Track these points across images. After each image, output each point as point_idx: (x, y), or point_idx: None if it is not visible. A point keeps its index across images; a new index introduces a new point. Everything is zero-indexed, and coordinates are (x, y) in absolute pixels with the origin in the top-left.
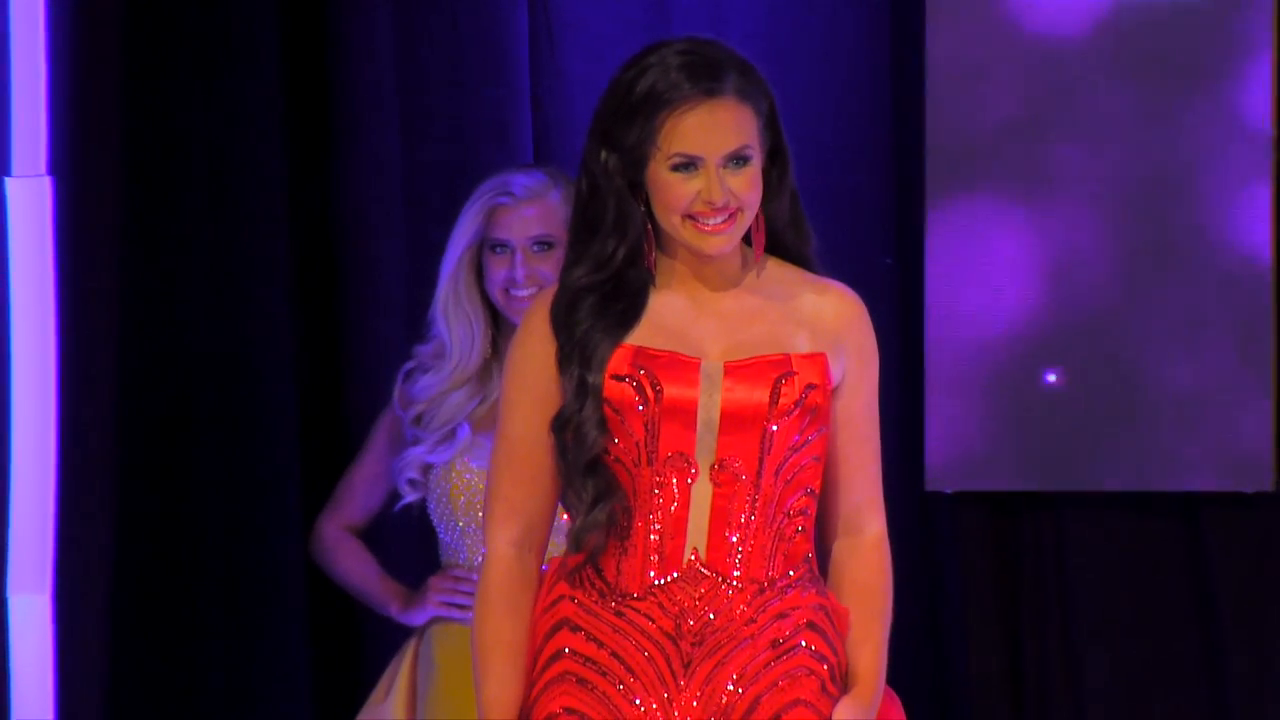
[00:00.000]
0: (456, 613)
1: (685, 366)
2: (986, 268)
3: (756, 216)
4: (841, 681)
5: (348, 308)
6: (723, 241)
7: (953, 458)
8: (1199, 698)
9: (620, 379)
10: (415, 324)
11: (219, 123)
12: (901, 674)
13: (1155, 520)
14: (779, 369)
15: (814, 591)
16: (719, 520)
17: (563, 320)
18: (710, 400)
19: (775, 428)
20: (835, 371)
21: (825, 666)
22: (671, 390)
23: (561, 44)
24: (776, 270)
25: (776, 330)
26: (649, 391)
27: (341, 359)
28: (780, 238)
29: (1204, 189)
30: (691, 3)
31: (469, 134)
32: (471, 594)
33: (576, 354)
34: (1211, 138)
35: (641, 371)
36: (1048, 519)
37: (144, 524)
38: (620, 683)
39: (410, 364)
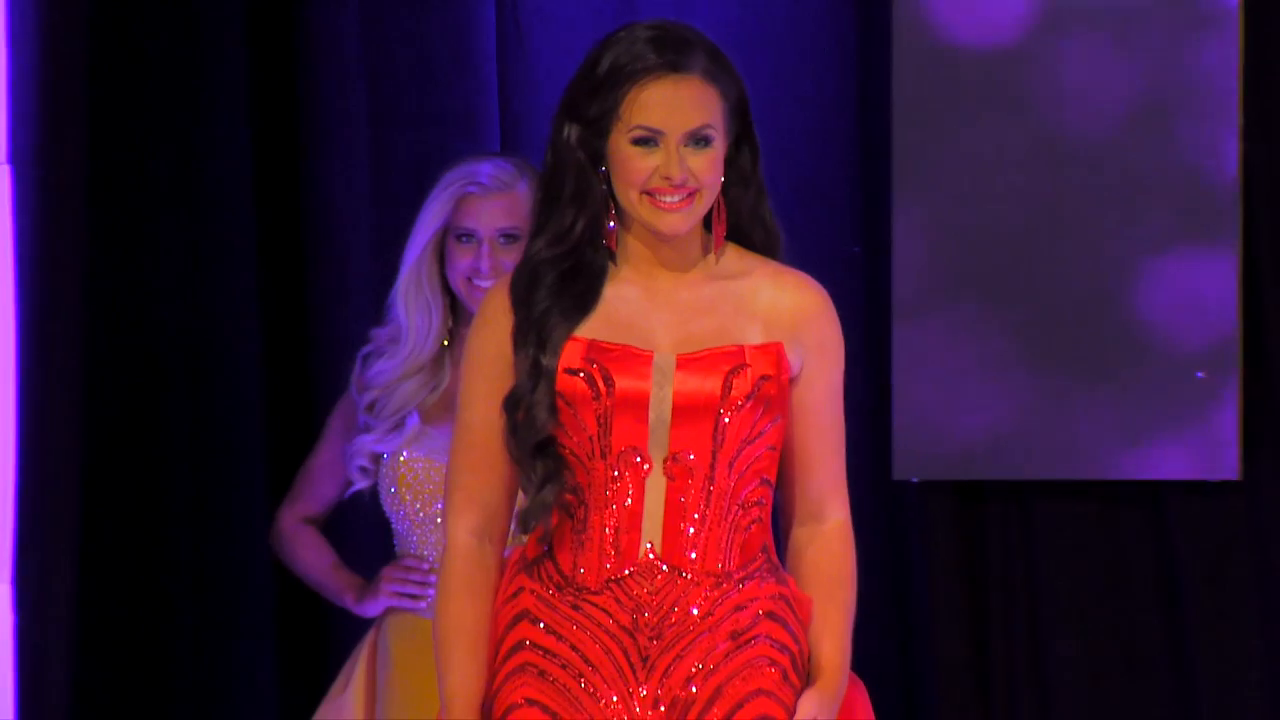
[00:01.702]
0: (409, 602)
1: (637, 359)
2: (952, 259)
3: (719, 205)
4: (804, 670)
5: (315, 297)
6: (678, 220)
7: (920, 446)
8: (1164, 685)
9: (573, 373)
10: (381, 312)
11: (185, 111)
12: (868, 661)
13: (1122, 508)
14: (732, 361)
15: (773, 581)
16: (674, 513)
17: (523, 295)
18: (662, 393)
19: (728, 419)
20: (793, 362)
21: (786, 656)
22: (624, 383)
23: (529, 34)
24: (736, 259)
25: (729, 322)
26: (601, 385)
27: (309, 348)
28: (746, 231)
29: (1173, 164)
30: None
31: (436, 124)
32: (423, 583)
33: (533, 334)
34: (1181, 134)
35: (594, 365)
36: (1014, 507)
37: (109, 515)
38: (580, 675)
39: (368, 347)
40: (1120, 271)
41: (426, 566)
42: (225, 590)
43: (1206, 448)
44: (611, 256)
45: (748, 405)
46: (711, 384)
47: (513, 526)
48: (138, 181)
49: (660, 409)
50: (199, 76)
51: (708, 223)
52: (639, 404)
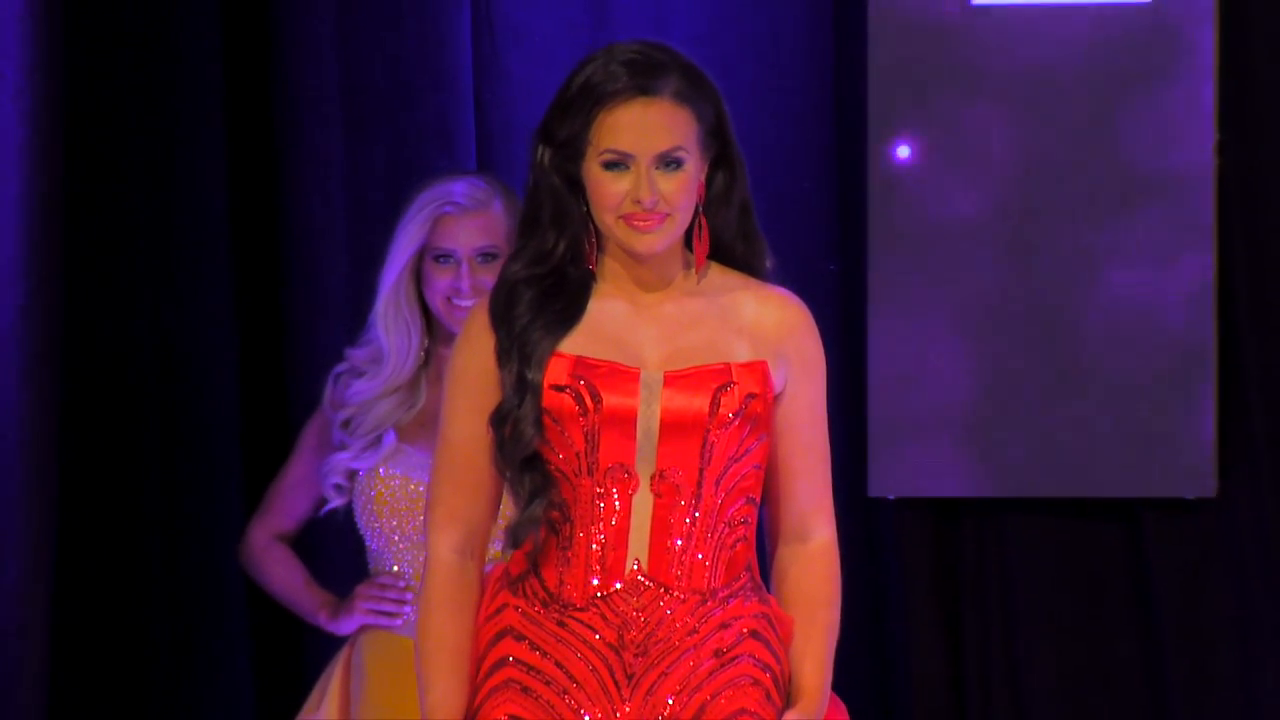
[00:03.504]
0: (384, 620)
1: (625, 376)
2: (930, 274)
3: (700, 224)
4: (785, 690)
5: (290, 311)
6: (653, 240)
7: (895, 463)
8: (1140, 702)
9: (560, 389)
10: (358, 326)
11: (160, 123)
12: (845, 678)
13: (1097, 525)
14: (719, 379)
15: (756, 600)
16: (660, 531)
17: (501, 314)
18: (650, 410)
19: (715, 437)
20: (776, 379)
21: (769, 675)
22: (611, 400)
23: (504, 47)
24: (719, 276)
25: (716, 338)
26: (589, 402)
27: (284, 361)
28: (729, 250)
29: (1145, 197)
30: (634, 6)
31: (412, 137)
32: (399, 601)
33: (516, 350)
34: (1155, 146)
35: (581, 382)
36: (990, 524)
37: (84, 530)
38: (564, 692)
39: (342, 367)
40: (1094, 287)
41: (402, 584)
42: (200, 605)
43: (1182, 465)
44: (593, 277)
45: (735, 423)
46: (700, 402)
47: (495, 543)
48: (113, 197)
49: (648, 426)
50: (175, 91)
51: (690, 240)
52: (627, 421)
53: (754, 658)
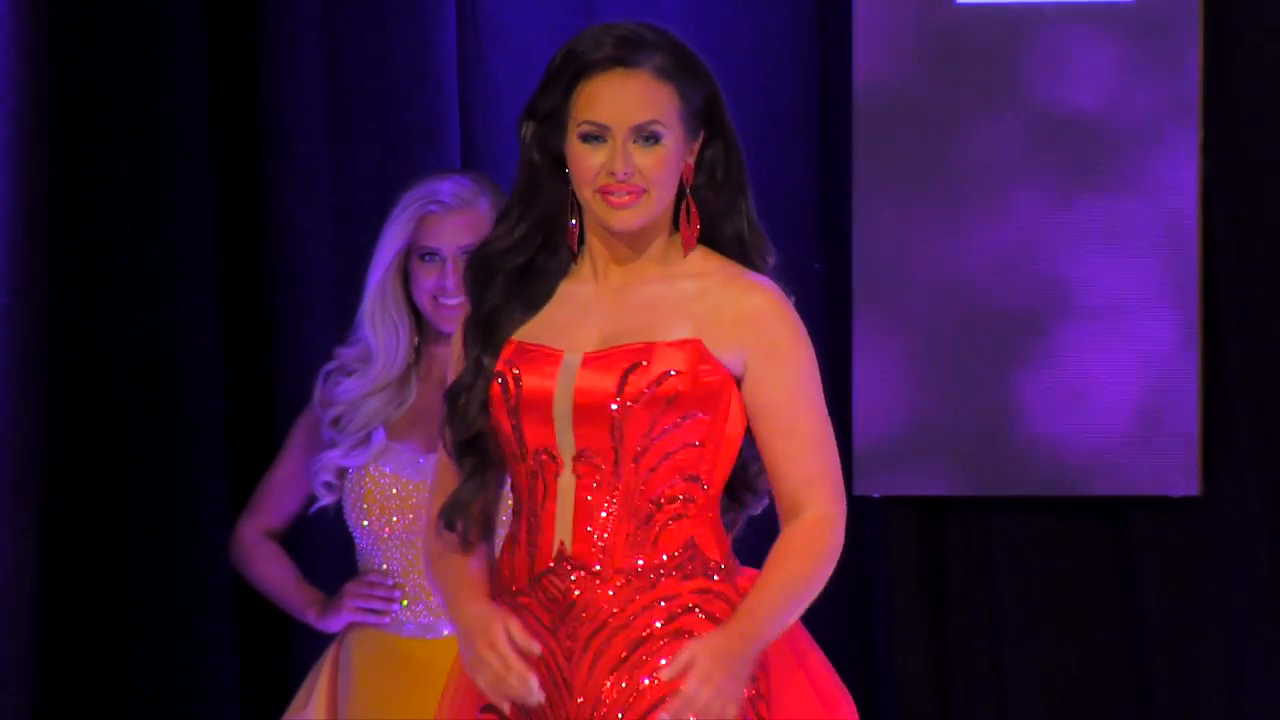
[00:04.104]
0: (372, 618)
1: (547, 360)
2: (913, 273)
3: (689, 208)
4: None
5: (276, 311)
6: (628, 216)
7: (880, 461)
8: (1124, 700)
9: (495, 375)
10: (343, 326)
11: (145, 125)
12: None
13: (1082, 524)
14: (631, 358)
15: (701, 577)
16: (582, 511)
17: (472, 289)
18: (565, 392)
19: (623, 416)
20: (729, 361)
21: (712, 622)
22: (529, 383)
23: (489, 48)
24: (700, 260)
25: (659, 320)
26: (511, 387)
27: (269, 360)
28: (716, 234)
29: (1129, 196)
30: (619, 6)
31: (397, 137)
32: (387, 599)
33: (480, 331)
34: (1138, 146)
35: (511, 367)
36: (975, 522)
37: (70, 530)
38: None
39: (331, 365)
40: (1079, 286)
41: (391, 582)
42: (186, 603)
43: (1167, 463)
44: (573, 257)
45: (643, 401)
46: (608, 381)
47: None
48: (98, 198)
49: (562, 408)
50: (159, 93)
51: (679, 223)
52: (543, 404)
53: (692, 635)
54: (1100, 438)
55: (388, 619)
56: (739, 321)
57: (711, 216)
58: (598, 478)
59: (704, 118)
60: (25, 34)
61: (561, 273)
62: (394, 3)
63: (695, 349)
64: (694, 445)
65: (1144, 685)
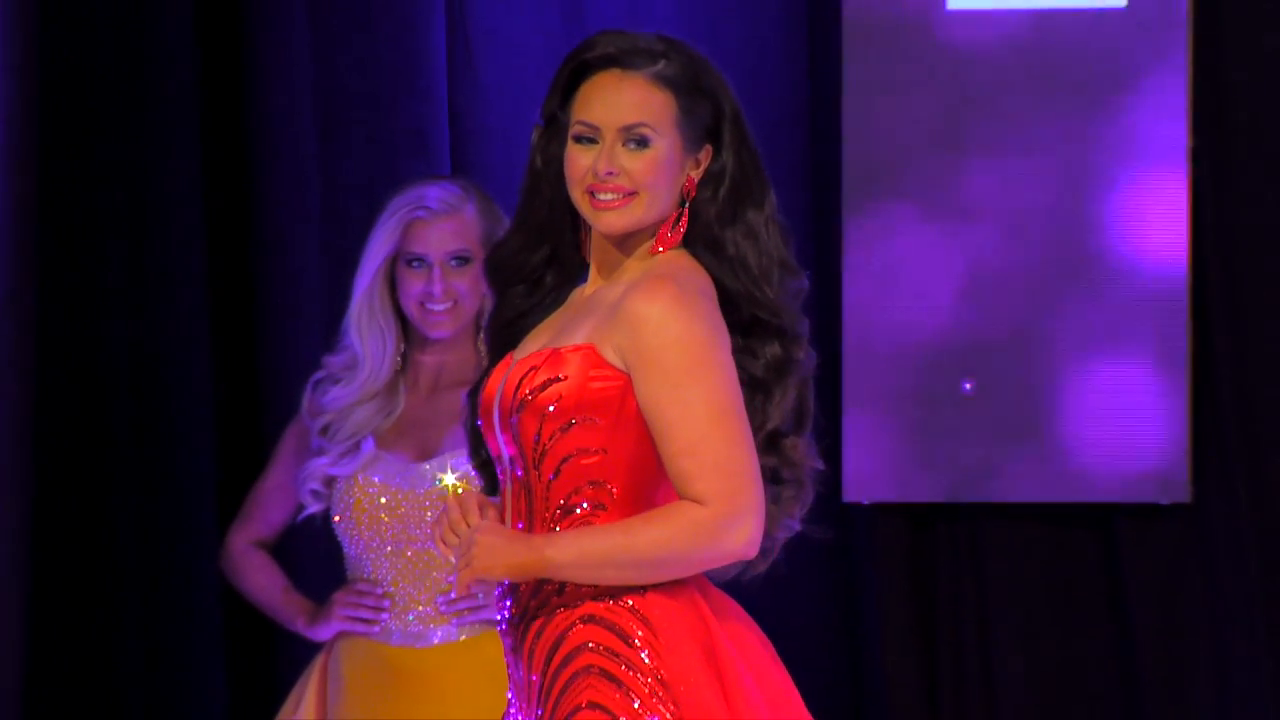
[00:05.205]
0: (361, 627)
1: (501, 368)
2: (902, 281)
3: (680, 213)
4: (637, 667)
5: (265, 316)
6: (614, 219)
7: (870, 469)
8: (1113, 706)
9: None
10: (332, 334)
11: (134, 129)
12: (819, 681)
13: (1071, 531)
14: (530, 364)
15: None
16: (513, 515)
17: (492, 294)
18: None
19: (516, 423)
20: (622, 366)
21: (616, 661)
22: (485, 389)
23: (479, 55)
24: (650, 266)
25: (576, 324)
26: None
27: (259, 369)
28: (709, 245)
29: (1119, 202)
30: (609, 12)
31: (386, 144)
32: (376, 608)
33: (488, 339)
34: (1128, 151)
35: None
36: (965, 530)
37: (60, 536)
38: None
39: (320, 374)
40: (1068, 293)
41: (380, 591)
42: (174, 610)
43: (1156, 470)
44: (586, 266)
45: (527, 409)
46: (506, 388)
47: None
48: (87, 202)
49: (493, 415)
50: (149, 97)
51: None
52: (487, 411)
53: (591, 645)
54: (1089, 445)
55: (377, 628)
56: (617, 326)
57: (713, 233)
58: (517, 484)
59: (712, 132)
60: (15, 36)
61: (572, 279)
62: (383, 7)
63: (587, 354)
64: (589, 452)
65: (1133, 691)
